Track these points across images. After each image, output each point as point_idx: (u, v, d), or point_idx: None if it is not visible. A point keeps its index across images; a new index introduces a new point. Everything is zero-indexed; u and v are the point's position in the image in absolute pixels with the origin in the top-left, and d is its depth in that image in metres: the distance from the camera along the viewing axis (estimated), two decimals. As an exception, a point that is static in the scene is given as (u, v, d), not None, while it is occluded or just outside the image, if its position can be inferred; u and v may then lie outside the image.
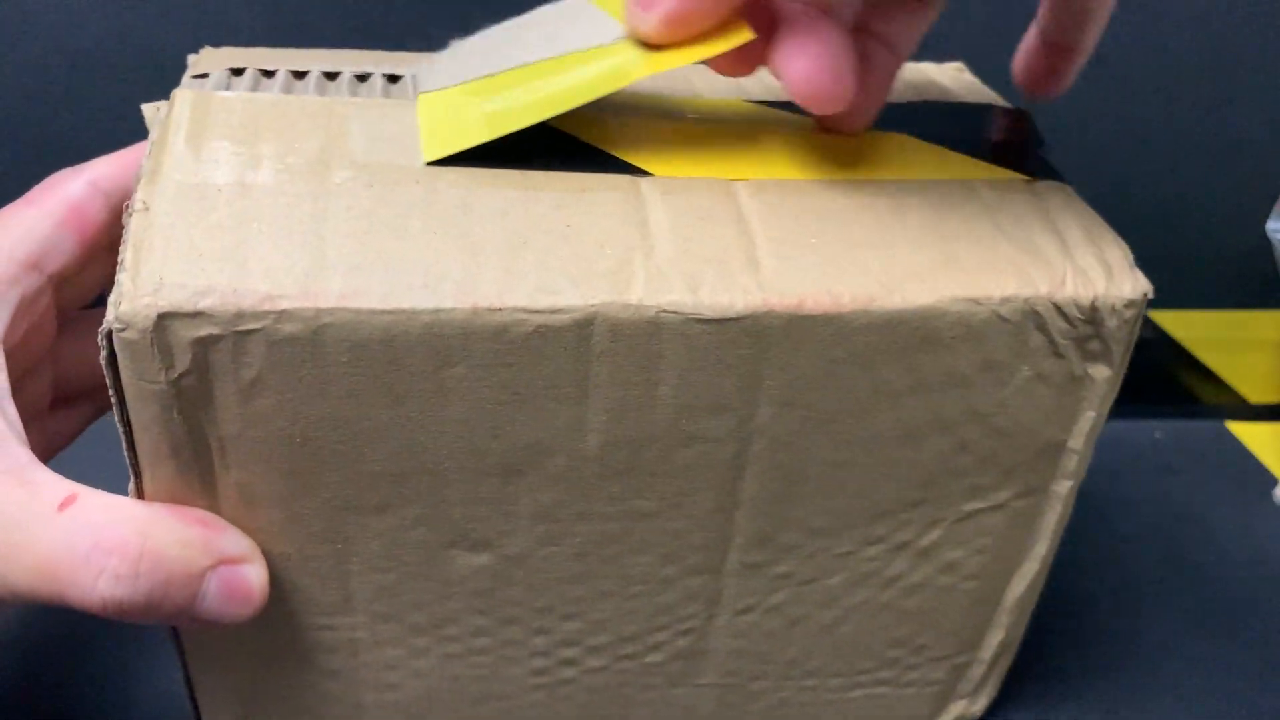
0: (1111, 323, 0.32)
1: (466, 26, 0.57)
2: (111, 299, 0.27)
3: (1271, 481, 0.59)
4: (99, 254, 0.35)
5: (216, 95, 0.33)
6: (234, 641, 0.34)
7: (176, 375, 0.28)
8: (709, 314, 0.29)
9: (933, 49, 0.42)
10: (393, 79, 0.35)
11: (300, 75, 0.35)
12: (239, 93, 0.33)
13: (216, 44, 0.37)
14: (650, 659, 0.37)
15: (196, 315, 0.27)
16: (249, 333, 0.28)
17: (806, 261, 0.31)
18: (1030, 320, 0.31)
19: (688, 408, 0.31)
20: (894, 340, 0.31)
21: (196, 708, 0.36)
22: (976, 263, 0.31)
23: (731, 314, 0.30)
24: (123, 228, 0.29)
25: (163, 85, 0.35)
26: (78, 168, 0.35)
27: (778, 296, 0.30)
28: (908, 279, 0.31)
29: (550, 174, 0.32)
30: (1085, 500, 0.55)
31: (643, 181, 0.32)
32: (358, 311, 0.28)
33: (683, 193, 0.32)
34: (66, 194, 0.34)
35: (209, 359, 0.28)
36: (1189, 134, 0.64)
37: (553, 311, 0.29)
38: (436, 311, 0.28)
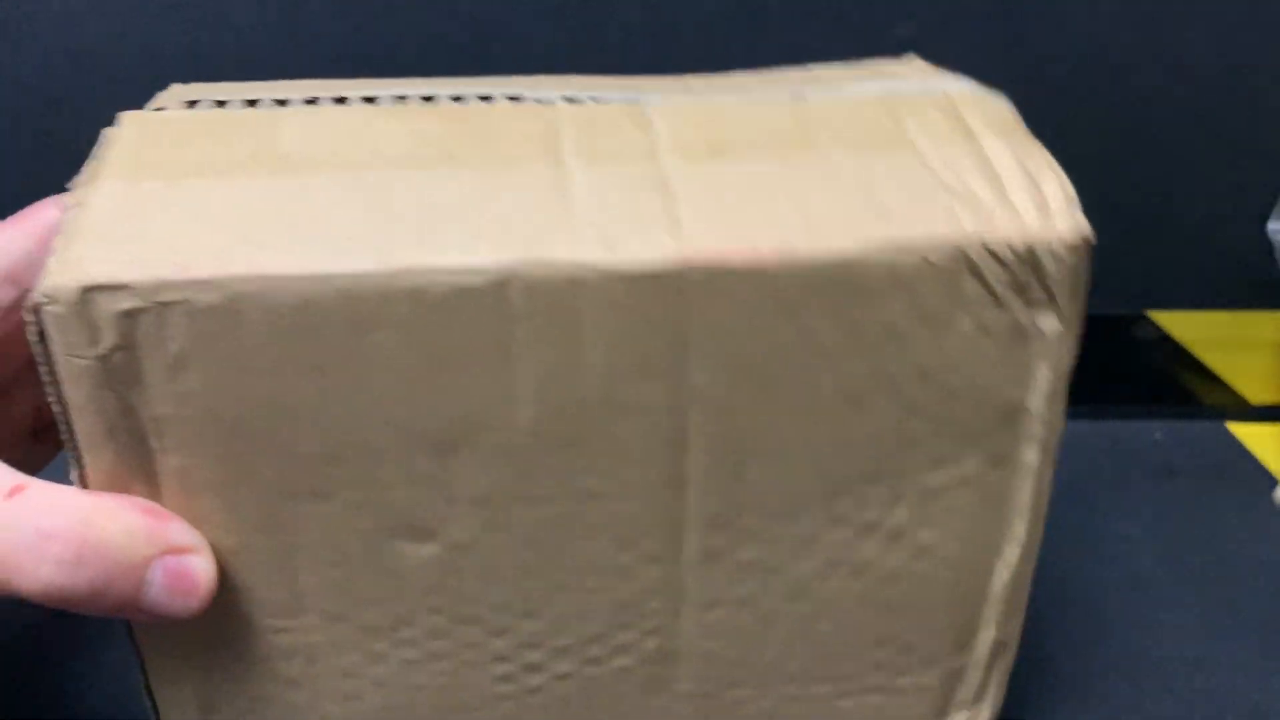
0: (1050, 265, 0.31)
1: (463, 30, 0.57)
2: (40, 278, 0.28)
3: (1271, 482, 0.57)
4: None
5: (159, 114, 0.34)
6: (192, 648, 0.34)
7: (105, 350, 0.29)
8: (626, 269, 0.29)
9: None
10: (340, 101, 0.36)
11: (253, 104, 0.36)
12: (181, 111, 0.34)
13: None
14: (619, 663, 0.36)
15: (119, 288, 0.28)
16: (170, 304, 0.28)
17: (729, 218, 0.31)
18: (962, 265, 0.31)
19: (618, 373, 0.31)
20: (820, 291, 0.30)
21: (160, 725, 0.36)
22: (903, 209, 0.31)
23: (649, 269, 0.30)
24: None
25: (163, 85, 0.36)
26: (62, 195, 0.36)
27: (696, 250, 0.30)
28: (830, 228, 0.30)
29: (478, 150, 0.32)
30: (1085, 500, 0.55)
31: (567, 154, 0.32)
32: (272, 278, 0.29)
33: (609, 163, 0.32)
34: (48, 217, 0.35)
35: (135, 333, 0.29)
36: (1189, 134, 0.63)
37: (468, 271, 0.29)
38: (350, 276, 0.29)
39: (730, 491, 0.33)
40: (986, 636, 0.37)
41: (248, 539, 0.32)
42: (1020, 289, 0.31)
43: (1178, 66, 0.61)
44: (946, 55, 0.58)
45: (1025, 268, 0.31)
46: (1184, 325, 0.67)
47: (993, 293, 0.31)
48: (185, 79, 0.37)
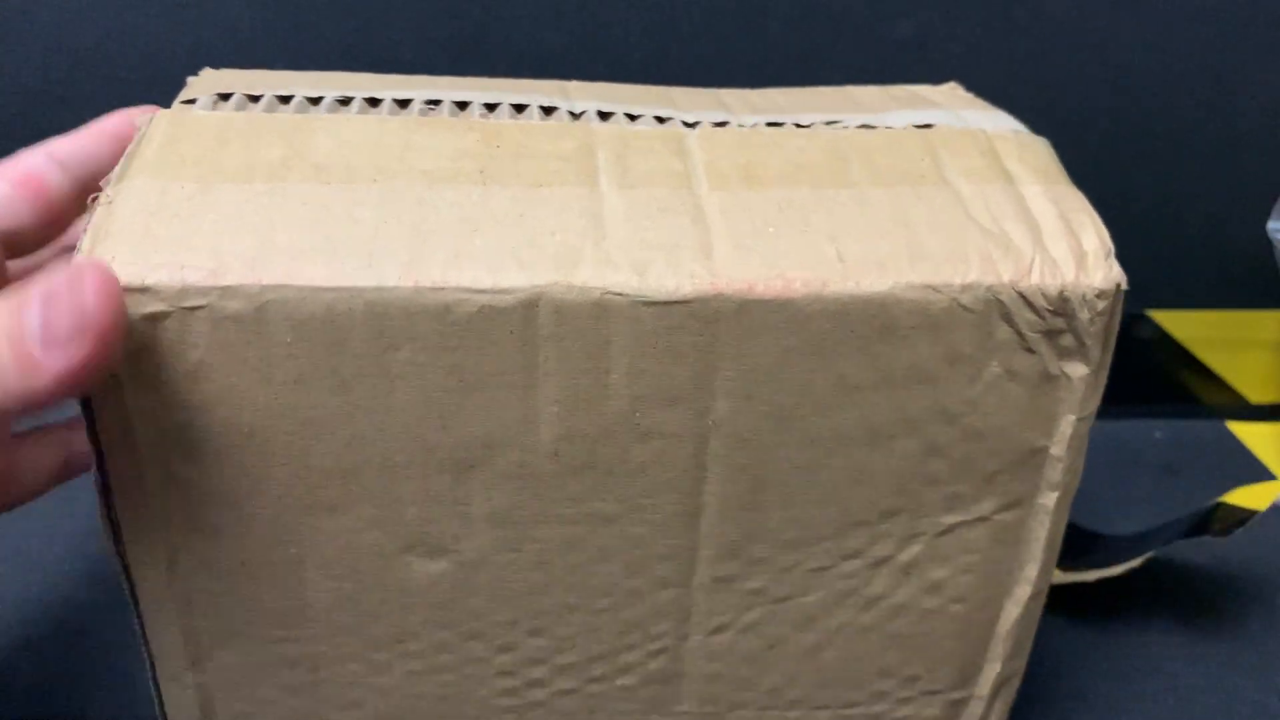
0: (1083, 315, 0.30)
1: (464, 30, 0.57)
2: None
3: (1271, 480, 0.58)
4: (54, 218, 0.36)
5: (192, 113, 0.33)
6: (197, 650, 0.34)
7: (126, 354, 0.28)
8: (656, 297, 0.29)
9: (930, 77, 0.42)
10: (373, 102, 0.35)
11: (285, 100, 0.35)
12: (214, 111, 0.33)
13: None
14: (622, 681, 0.36)
15: (144, 290, 0.28)
16: (194, 309, 0.28)
17: (761, 249, 0.30)
18: (995, 310, 0.30)
19: (641, 399, 0.30)
20: (850, 329, 0.30)
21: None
22: (939, 251, 0.31)
23: (679, 297, 0.29)
24: (85, 206, 0.30)
25: (163, 85, 0.36)
26: (38, 144, 0.36)
27: (726, 281, 0.29)
28: (863, 265, 0.30)
29: (512, 169, 0.32)
30: (1085, 500, 0.55)
31: (602, 176, 0.32)
32: (301, 289, 0.28)
33: (643, 187, 0.32)
34: (24, 163, 0.35)
35: (157, 337, 0.28)
36: (1189, 134, 0.63)
37: (497, 291, 0.29)
38: (379, 289, 0.28)
39: (745, 521, 0.33)
40: (991, 671, 0.37)
41: (258, 550, 0.32)
42: (1052, 336, 0.31)
43: (1178, 65, 0.61)
44: (946, 55, 0.57)
45: (1058, 316, 0.30)
46: (1184, 325, 0.67)
47: (1023, 338, 0.31)
48: (185, 79, 0.36)
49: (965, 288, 0.30)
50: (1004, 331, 0.31)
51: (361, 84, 0.36)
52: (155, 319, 0.28)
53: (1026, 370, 0.31)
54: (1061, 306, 0.30)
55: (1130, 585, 0.50)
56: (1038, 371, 0.31)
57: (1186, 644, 0.48)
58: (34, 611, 0.47)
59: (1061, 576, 0.46)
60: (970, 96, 0.39)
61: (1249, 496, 0.46)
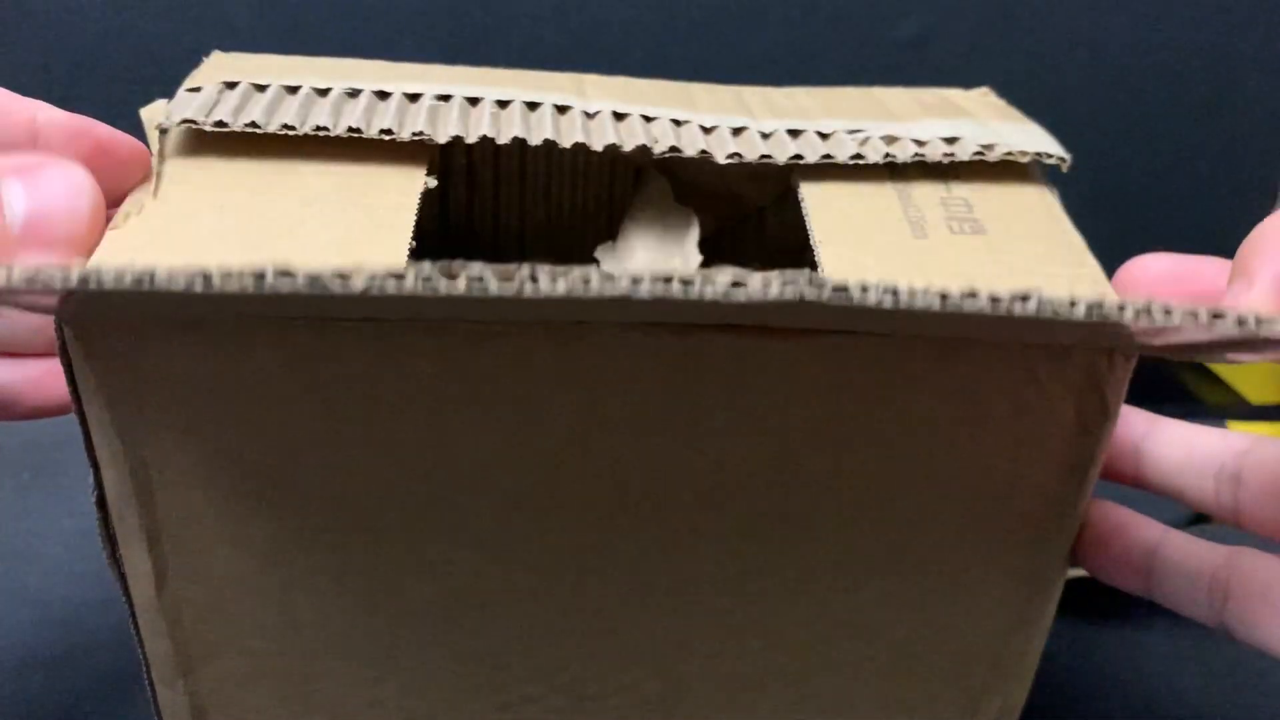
0: (1107, 374, 0.29)
1: (464, 30, 0.56)
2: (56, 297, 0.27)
3: (1271, 480, 0.58)
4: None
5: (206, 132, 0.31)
6: (189, 658, 0.34)
7: (113, 378, 0.28)
8: (658, 330, 0.28)
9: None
10: (382, 95, 0.33)
11: (293, 90, 0.33)
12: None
13: (216, 44, 0.37)
14: (617, 701, 0.36)
15: (128, 319, 0.27)
16: (180, 336, 0.28)
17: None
18: (1017, 364, 0.29)
19: (639, 431, 0.30)
20: (857, 374, 0.29)
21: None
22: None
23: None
24: None
25: (163, 85, 0.35)
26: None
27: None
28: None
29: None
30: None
31: None
32: (288, 319, 0.28)
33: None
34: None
35: (139, 361, 0.28)
36: (1190, 134, 0.63)
37: (490, 321, 0.28)
38: (368, 320, 0.28)
39: (744, 556, 0.32)
40: (993, 702, 0.37)
41: (246, 570, 0.32)
42: (1074, 390, 0.30)
43: (1178, 65, 0.60)
44: (948, 55, 0.57)
45: (1082, 372, 0.29)
46: (1184, 324, 0.67)
47: (1045, 392, 0.30)
48: (185, 79, 0.35)
49: (984, 345, 0.29)
50: (1026, 386, 0.29)
51: (372, 74, 0.34)
52: (140, 343, 0.28)
53: (1043, 420, 0.30)
54: (1086, 364, 0.29)
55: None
56: (1054, 421, 0.30)
57: (1186, 644, 0.48)
58: (34, 611, 0.47)
59: None
60: (1003, 105, 0.37)
61: None
